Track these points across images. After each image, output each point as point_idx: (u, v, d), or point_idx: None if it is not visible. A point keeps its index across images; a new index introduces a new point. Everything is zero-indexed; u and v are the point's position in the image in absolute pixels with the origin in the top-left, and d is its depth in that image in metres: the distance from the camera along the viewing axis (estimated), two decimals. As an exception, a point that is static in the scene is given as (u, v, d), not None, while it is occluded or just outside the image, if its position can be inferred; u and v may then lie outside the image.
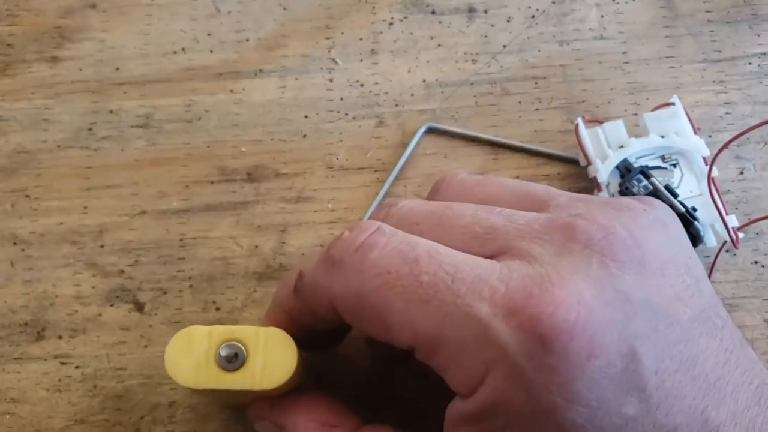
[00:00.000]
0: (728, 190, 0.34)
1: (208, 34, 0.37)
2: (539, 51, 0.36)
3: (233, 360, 0.24)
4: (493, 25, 0.37)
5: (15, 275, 0.33)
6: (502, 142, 0.34)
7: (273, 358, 0.24)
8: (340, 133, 0.35)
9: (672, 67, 0.35)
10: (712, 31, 0.36)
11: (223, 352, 0.24)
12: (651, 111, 0.33)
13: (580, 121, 0.33)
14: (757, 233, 0.33)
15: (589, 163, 0.33)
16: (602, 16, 0.37)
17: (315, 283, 0.24)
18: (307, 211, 0.33)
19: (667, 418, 0.21)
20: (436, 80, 0.36)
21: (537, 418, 0.20)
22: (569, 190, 0.33)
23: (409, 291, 0.22)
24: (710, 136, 0.34)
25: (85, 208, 0.34)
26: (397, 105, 0.35)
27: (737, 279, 0.32)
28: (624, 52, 0.36)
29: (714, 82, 0.35)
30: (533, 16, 0.37)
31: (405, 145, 0.34)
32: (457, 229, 0.24)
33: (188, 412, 0.30)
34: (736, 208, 0.33)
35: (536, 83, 0.36)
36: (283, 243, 0.33)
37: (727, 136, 0.34)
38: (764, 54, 0.36)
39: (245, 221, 0.33)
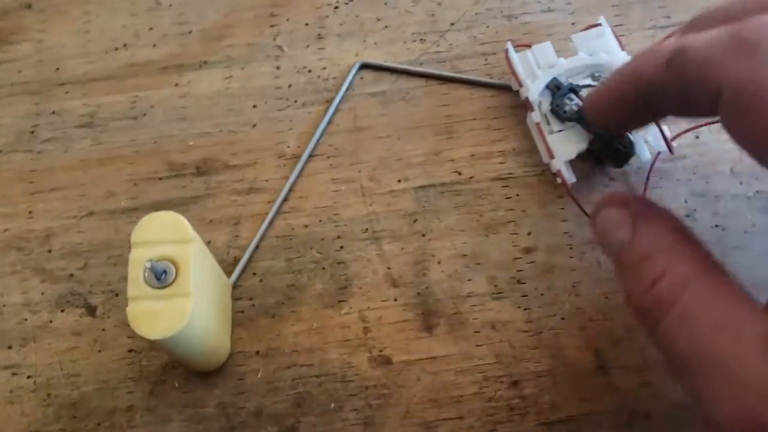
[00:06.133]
0: (685, 155, 0.33)
1: (150, 29, 0.36)
2: (487, 27, 0.36)
3: (162, 275, 0.25)
4: (439, 4, 0.36)
5: (-40, 286, 0.31)
6: (434, 74, 0.35)
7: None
8: (290, 121, 0.34)
9: (621, 36, 0.35)
10: (660, -3, 0.36)
11: (150, 275, 0.25)
12: (579, 32, 0.33)
13: (509, 45, 0.33)
14: (716, 196, 0.33)
15: (520, 85, 0.33)
16: (550, -11, 0.36)
17: (705, 61, 0.21)
18: (259, 202, 0.33)
19: None
20: (385, 62, 0.35)
21: None
22: (506, 99, 0.34)
23: None
24: (664, 103, 0.34)
25: (31, 212, 0.33)
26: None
27: (699, 244, 0.32)
28: (573, 23, 0.36)
29: (665, 48, 0.35)
30: (480, -7, 0.36)
31: (359, 129, 0.34)
32: None
33: (147, 415, 0.29)
34: (694, 173, 0.33)
35: (486, 59, 0.35)
36: (237, 236, 0.32)
37: (681, 101, 0.34)
38: (713, 18, 0.36)
39: (197, 216, 0.32)
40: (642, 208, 0.25)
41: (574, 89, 0.32)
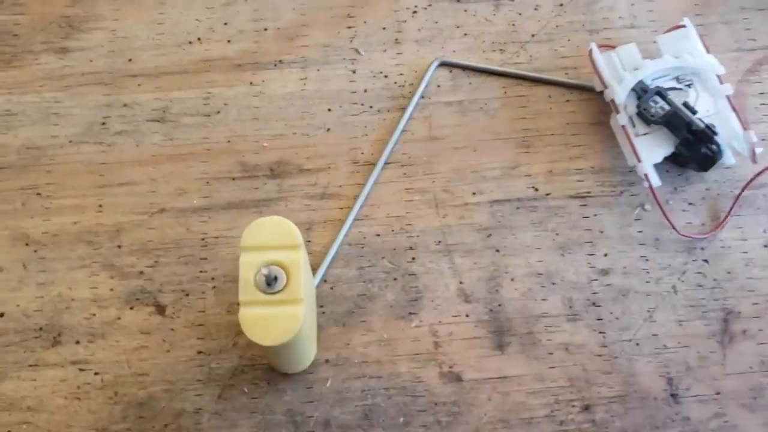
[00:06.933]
0: (767, 184, 0.33)
1: (225, 24, 0.35)
2: (569, 40, 0.35)
3: (273, 282, 0.24)
4: (520, 14, 0.36)
5: (28, 278, 0.31)
6: (515, 73, 0.34)
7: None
8: (365, 127, 0.34)
9: (706, 57, 0.34)
10: (745, 18, 0.35)
11: (262, 279, 0.24)
12: (663, 33, 0.33)
13: (593, 46, 0.33)
14: (796, 227, 0.32)
15: (605, 87, 0.32)
16: (632, 5, 0.36)
17: None
18: (332, 207, 0.32)
19: None
20: (464, 61, 0.34)
21: None
22: (586, 116, 0.33)
23: None
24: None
25: (100, 206, 0.32)
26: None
27: (775, 274, 0.32)
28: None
29: (749, 71, 0.34)
30: (561, 5, 0.36)
31: (434, 139, 0.33)
32: None
33: (215, 419, 0.29)
34: (774, 202, 0.32)
35: (566, 72, 0.34)
36: (309, 241, 0.32)
37: (764, 128, 0.34)
38: (798, 42, 0.35)
39: (269, 219, 0.32)
40: None
41: (660, 92, 0.31)
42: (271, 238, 0.25)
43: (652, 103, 0.31)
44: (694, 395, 0.30)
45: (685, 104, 0.31)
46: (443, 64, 0.34)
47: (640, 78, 0.32)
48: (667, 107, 0.31)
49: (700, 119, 0.31)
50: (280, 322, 0.24)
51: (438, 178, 0.33)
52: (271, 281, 0.24)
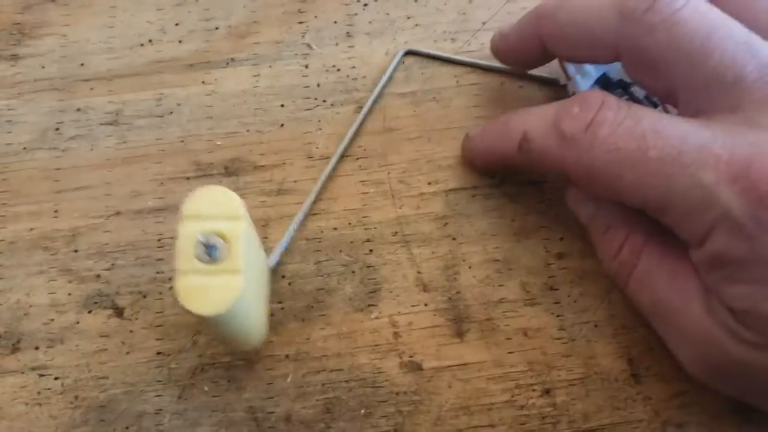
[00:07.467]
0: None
1: (176, 24, 0.35)
2: (520, 26, 0.35)
3: (214, 250, 0.24)
4: (470, 2, 0.36)
5: (-15, 286, 0.31)
6: (481, 64, 0.34)
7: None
8: (319, 121, 0.34)
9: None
10: None
11: (201, 249, 0.23)
12: None
13: None
14: None
15: (569, 79, 0.32)
16: (583, -12, 0.36)
17: (545, 151, 0.27)
18: (288, 203, 0.32)
19: None
20: (431, 50, 0.34)
21: (760, 264, 0.23)
22: (539, 102, 0.33)
23: (638, 165, 0.24)
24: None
25: (56, 211, 0.32)
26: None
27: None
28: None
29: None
30: (512, -9, 0.36)
31: (388, 130, 0.33)
32: (708, 69, 0.24)
33: (176, 419, 0.29)
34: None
35: (519, 60, 0.34)
36: (266, 238, 0.32)
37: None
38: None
39: (225, 217, 0.32)
40: None
41: (624, 85, 0.31)
42: (214, 208, 0.24)
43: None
44: (654, 374, 0.30)
45: (647, 97, 0.31)
46: (409, 53, 0.34)
47: (604, 71, 0.32)
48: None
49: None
50: (219, 292, 0.23)
51: (393, 170, 0.33)
52: (210, 249, 0.23)
